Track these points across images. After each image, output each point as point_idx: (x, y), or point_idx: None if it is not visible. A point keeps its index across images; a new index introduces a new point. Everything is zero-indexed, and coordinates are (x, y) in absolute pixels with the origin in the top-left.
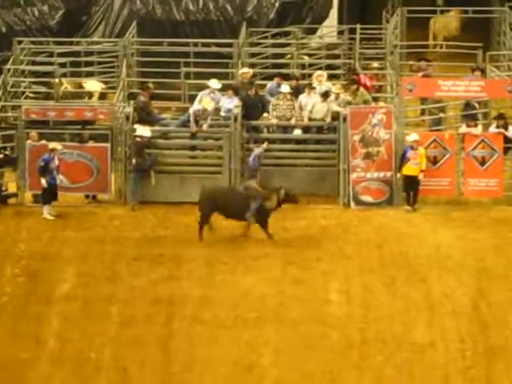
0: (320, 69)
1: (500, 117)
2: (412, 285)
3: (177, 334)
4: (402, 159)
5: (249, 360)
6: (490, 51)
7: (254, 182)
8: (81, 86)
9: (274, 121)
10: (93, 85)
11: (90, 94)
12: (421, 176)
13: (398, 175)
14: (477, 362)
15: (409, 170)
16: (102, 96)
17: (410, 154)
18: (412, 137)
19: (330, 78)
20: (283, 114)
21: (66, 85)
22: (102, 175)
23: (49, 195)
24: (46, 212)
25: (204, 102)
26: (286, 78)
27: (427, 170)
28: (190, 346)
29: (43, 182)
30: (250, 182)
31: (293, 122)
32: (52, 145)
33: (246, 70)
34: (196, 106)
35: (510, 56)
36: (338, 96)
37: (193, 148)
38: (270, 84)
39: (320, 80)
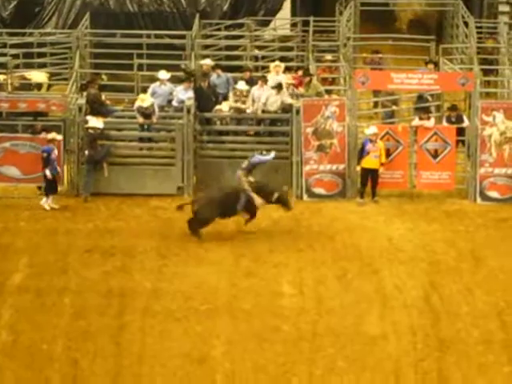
0: (273, 61)
1: (453, 108)
2: (364, 277)
3: (128, 326)
4: (361, 152)
5: (200, 352)
6: (443, 44)
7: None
8: (24, 78)
9: (227, 111)
10: (38, 76)
11: (39, 86)
12: (381, 169)
13: (358, 168)
14: (428, 354)
15: (368, 163)
16: (49, 87)
17: (369, 147)
18: (371, 130)
19: (284, 70)
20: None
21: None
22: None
23: (52, 186)
24: (47, 202)
25: (140, 98)
26: (238, 68)
27: (386, 162)
28: (141, 338)
29: (47, 173)
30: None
31: (248, 110)
32: (51, 135)
33: (208, 61)
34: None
35: (463, 49)
36: (288, 87)
37: (146, 140)
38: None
39: (277, 71)
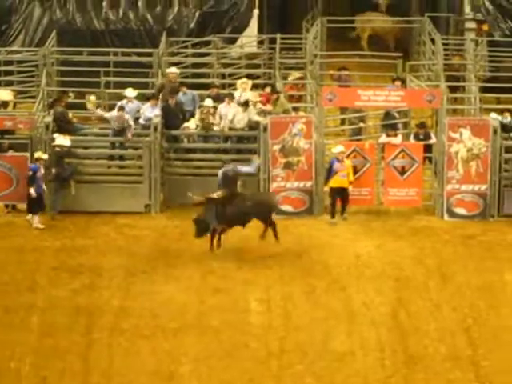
0: (240, 78)
1: (421, 126)
2: (332, 294)
3: (96, 344)
4: (329, 172)
5: (168, 369)
6: (410, 61)
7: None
8: None
9: (193, 128)
10: (4, 94)
11: (5, 104)
12: (350, 188)
13: (325, 188)
14: (396, 370)
15: (337, 182)
16: (15, 105)
17: (336, 166)
18: (338, 149)
19: (251, 87)
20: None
21: None
22: (22, 185)
23: (36, 205)
24: (36, 222)
25: (89, 101)
26: (205, 86)
27: (354, 180)
28: (109, 356)
29: (32, 191)
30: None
31: (216, 128)
32: (37, 154)
33: (173, 69)
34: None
35: (430, 66)
36: (255, 104)
37: (113, 157)
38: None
39: (244, 88)
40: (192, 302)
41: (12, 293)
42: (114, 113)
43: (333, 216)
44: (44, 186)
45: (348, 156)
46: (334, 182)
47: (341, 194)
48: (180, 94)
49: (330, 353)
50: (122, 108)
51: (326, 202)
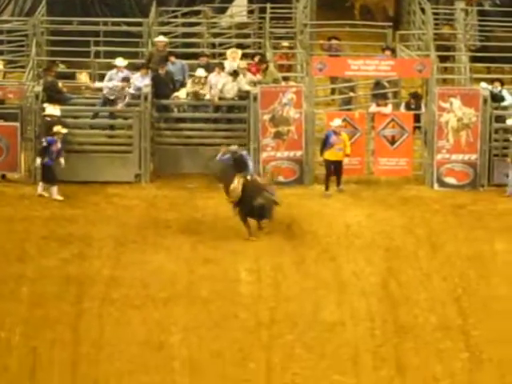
0: (230, 48)
1: (414, 95)
2: (322, 264)
3: (86, 314)
4: (325, 143)
5: (158, 339)
6: (400, 30)
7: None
8: None
9: (184, 98)
10: None
11: None
12: (346, 160)
13: (320, 158)
14: (386, 340)
15: (332, 155)
16: (5, 74)
17: (333, 139)
18: (335, 122)
19: (241, 57)
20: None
21: None
22: (12, 154)
23: (48, 176)
24: (55, 193)
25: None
26: (195, 55)
27: (350, 153)
28: (99, 326)
29: (37, 161)
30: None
31: (206, 97)
32: (56, 128)
33: (161, 38)
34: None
35: (420, 35)
36: (245, 73)
37: (102, 127)
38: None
39: (234, 57)
40: (182, 271)
41: (1, 263)
42: (115, 83)
43: (327, 188)
44: (62, 160)
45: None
46: (330, 155)
47: (336, 166)
48: (169, 63)
49: (319, 323)
50: (126, 79)
51: (316, 172)
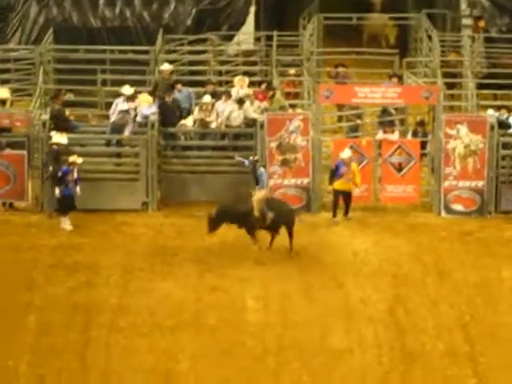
0: (237, 76)
1: (421, 123)
2: (329, 291)
3: (94, 342)
4: (334, 173)
5: (165, 367)
6: (407, 58)
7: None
8: None
9: (190, 126)
10: (1, 92)
11: (3, 101)
12: (357, 190)
13: (329, 188)
14: (394, 367)
15: (342, 185)
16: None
17: (343, 170)
18: (345, 153)
19: (248, 84)
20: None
21: None
22: (19, 182)
23: (65, 206)
24: (64, 223)
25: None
26: (201, 83)
27: (360, 183)
28: (106, 354)
29: (56, 191)
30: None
31: (213, 125)
32: (72, 158)
33: (166, 66)
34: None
35: (427, 62)
36: (252, 101)
37: (110, 155)
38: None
39: (241, 85)
40: (189, 299)
41: (9, 291)
42: (122, 107)
43: (334, 215)
44: (78, 189)
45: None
46: (339, 185)
47: (345, 196)
48: (175, 91)
49: (327, 350)
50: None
51: (324, 200)
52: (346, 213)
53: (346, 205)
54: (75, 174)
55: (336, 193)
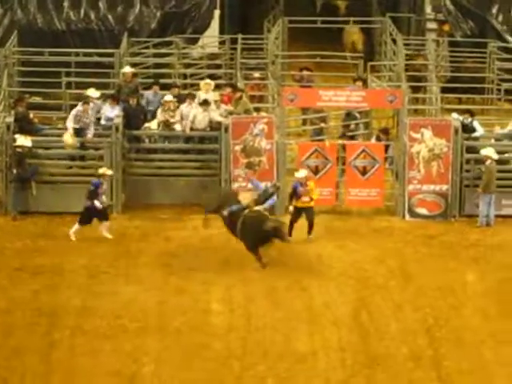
0: (202, 79)
1: (385, 132)
2: (293, 294)
3: (58, 345)
4: (294, 194)
5: (130, 370)
6: (372, 61)
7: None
8: None
9: (155, 128)
10: None
11: None
12: (312, 203)
13: (291, 208)
14: (358, 371)
15: (301, 203)
16: None
17: (300, 190)
18: (301, 173)
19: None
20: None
21: None
22: None
23: (87, 217)
24: (73, 231)
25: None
26: (166, 86)
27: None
28: (71, 357)
29: (97, 204)
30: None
31: (177, 129)
32: (102, 170)
33: (127, 69)
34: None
35: (391, 66)
36: (218, 105)
37: (73, 158)
38: (146, 93)
39: (207, 89)
40: (154, 302)
41: None
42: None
43: (290, 233)
44: (104, 199)
45: (309, 157)
46: (298, 203)
47: (306, 212)
48: (151, 92)
49: (291, 353)
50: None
51: (287, 203)
52: (309, 232)
53: (308, 222)
54: (105, 186)
55: (297, 210)
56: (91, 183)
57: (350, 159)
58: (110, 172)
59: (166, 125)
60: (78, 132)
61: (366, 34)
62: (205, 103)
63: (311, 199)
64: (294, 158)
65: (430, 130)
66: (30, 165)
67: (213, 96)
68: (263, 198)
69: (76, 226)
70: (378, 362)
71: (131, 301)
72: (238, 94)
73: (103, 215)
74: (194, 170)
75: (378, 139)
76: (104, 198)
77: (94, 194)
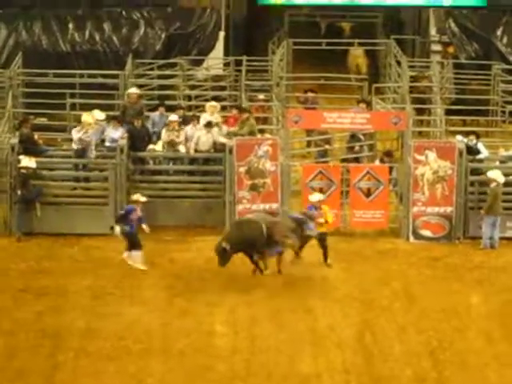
0: (206, 100)
1: (388, 154)
2: (298, 316)
3: (62, 366)
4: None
5: None
6: (376, 83)
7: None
8: None
9: (160, 150)
10: None
11: None
12: (325, 229)
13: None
14: None
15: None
16: None
17: (314, 214)
18: (315, 197)
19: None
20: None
21: None
22: None
23: (133, 242)
24: (139, 261)
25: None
26: (171, 108)
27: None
28: (74, 379)
29: (117, 229)
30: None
31: (182, 150)
32: (135, 196)
33: (133, 90)
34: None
35: (395, 88)
36: (220, 126)
37: (78, 179)
38: (152, 115)
39: (212, 111)
40: (158, 324)
41: None
42: (80, 135)
43: (297, 255)
44: (145, 227)
45: (313, 179)
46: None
47: (320, 238)
48: (157, 114)
49: (295, 375)
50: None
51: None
52: (325, 259)
53: (323, 249)
54: (139, 213)
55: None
56: (124, 207)
57: (355, 181)
58: (143, 199)
59: (171, 145)
60: (80, 153)
61: (371, 56)
62: (208, 125)
63: (326, 222)
64: (299, 179)
65: (434, 152)
66: (34, 186)
67: (217, 118)
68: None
69: (133, 254)
70: (382, 383)
71: (135, 322)
72: (246, 115)
73: (132, 244)
74: (198, 191)
75: (382, 162)
76: (144, 225)
77: (121, 219)
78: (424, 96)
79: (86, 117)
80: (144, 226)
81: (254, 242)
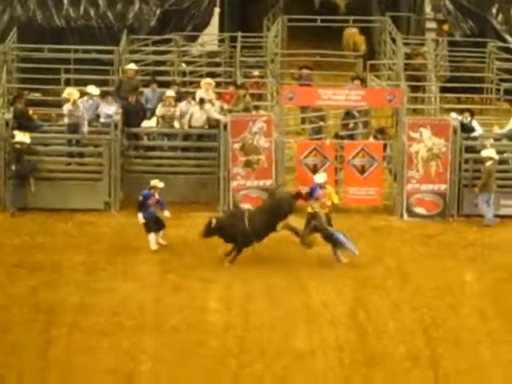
0: (201, 76)
1: (381, 131)
2: (292, 293)
3: (55, 341)
4: (309, 195)
5: (127, 367)
6: (371, 60)
7: None
8: None
9: (154, 126)
10: None
11: None
12: (327, 210)
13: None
14: (356, 370)
15: (321, 207)
16: None
17: (318, 193)
18: (321, 178)
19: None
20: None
21: None
22: None
23: (150, 225)
24: (152, 242)
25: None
26: (165, 83)
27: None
28: (68, 354)
29: (140, 217)
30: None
31: (176, 125)
32: (153, 182)
33: (131, 66)
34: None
35: (390, 65)
36: (213, 102)
37: (72, 155)
38: (145, 91)
39: (207, 88)
40: (151, 299)
41: None
42: (69, 107)
43: (306, 243)
44: (166, 212)
45: (307, 155)
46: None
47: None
48: (149, 90)
49: (289, 352)
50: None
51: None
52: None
53: (309, 230)
54: (156, 197)
55: (311, 216)
56: (141, 194)
57: (349, 158)
58: (161, 184)
59: (168, 119)
60: (73, 129)
61: (366, 33)
62: (200, 102)
63: (332, 203)
64: (293, 156)
65: (428, 130)
66: (28, 161)
67: (209, 95)
68: None
69: (150, 237)
70: (376, 361)
71: (128, 298)
72: (242, 92)
73: (152, 225)
74: (192, 167)
75: (375, 139)
76: (166, 212)
77: (141, 205)
78: (419, 73)
79: (70, 89)
80: (166, 213)
81: (235, 237)
